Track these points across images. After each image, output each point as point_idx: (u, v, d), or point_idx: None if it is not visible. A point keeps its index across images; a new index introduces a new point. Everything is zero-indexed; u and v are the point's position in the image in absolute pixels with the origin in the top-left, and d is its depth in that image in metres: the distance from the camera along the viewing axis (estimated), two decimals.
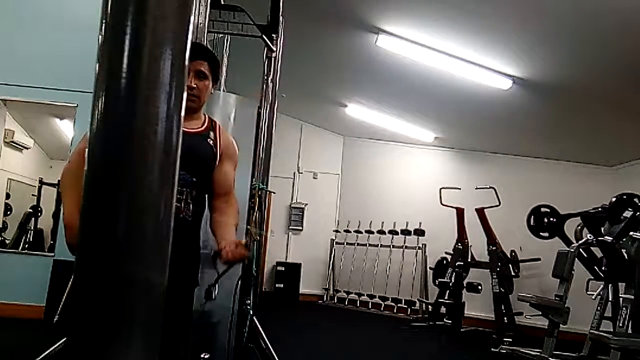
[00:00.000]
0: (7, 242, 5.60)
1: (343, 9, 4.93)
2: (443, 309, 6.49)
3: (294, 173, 8.71)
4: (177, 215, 1.65)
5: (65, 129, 5.61)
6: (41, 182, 6.12)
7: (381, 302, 7.68)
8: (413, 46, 5.01)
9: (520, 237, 6.12)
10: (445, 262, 6.76)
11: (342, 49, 5.75)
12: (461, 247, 6.54)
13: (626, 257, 4.26)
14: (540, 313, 4.62)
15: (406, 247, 7.73)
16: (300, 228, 8.62)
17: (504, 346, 5.01)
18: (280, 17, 3.52)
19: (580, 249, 4.74)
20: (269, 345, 2.84)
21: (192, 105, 1.77)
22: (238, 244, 1.67)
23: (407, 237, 7.71)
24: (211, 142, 1.82)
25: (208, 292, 1.89)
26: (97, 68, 0.66)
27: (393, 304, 7.59)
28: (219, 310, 2.94)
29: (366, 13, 4.83)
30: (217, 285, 1.79)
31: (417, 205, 7.76)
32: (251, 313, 3.02)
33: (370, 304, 7.84)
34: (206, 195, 1.85)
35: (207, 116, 1.88)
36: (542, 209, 5.34)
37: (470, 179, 7.13)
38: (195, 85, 1.75)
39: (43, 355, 2.11)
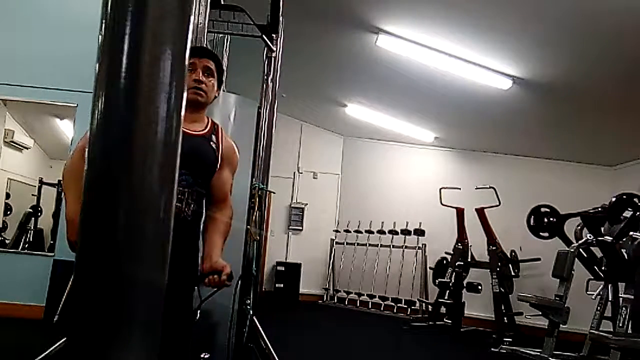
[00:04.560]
0: (7, 242, 5.60)
1: (343, 9, 4.93)
2: (443, 309, 6.49)
3: (294, 173, 8.71)
4: (178, 215, 1.65)
5: (65, 129, 5.61)
6: (41, 182, 6.11)
7: (381, 302, 7.68)
8: (413, 46, 5.01)
9: (520, 237, 6.13)
10: (445, 262, 6.76)
11: (342, 49, 5.74)
12: (461, 247, 6.54)
13: (626, 257, 4.27)
14: (540, 313, 4.62)
15: (406, 247, 7.73)
16: (300, 228, 8.62)
17: (504, 346, 5.01)
18: (280, 17, 3.51)
19: (580, 249, 4.75)
20: (269, 345, 2.83)
21: (199, 100, 1.77)
22: (223, 270, 1.66)
23: (407, 237, 7.71)
24: (213, 145, 1.82)
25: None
26: (97, 68, 0.66)
27: (393, 304, 7.59)
28: (219, 310, 2.94)
29: (366, 13, 4.83)
30: (199, 311, 1.80)
31: (417, 205, 7.75)
32: (251, 313, 3.02)
33: (370, 304, 7.84)
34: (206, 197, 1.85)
35: (209, 119, 1.87)
36: (542, 209, 5.34)
37: (470, 179, 7.13)
38: (203, 80, 1.75)
39: (43, 355, 2.10)
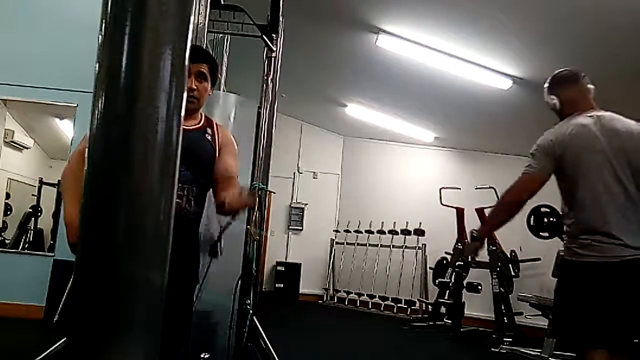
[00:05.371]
0: (7, 242, 5.60)
1: (343, 9, 4.93)
2: (443, 309, 6.49)
3: (294, 173, 8.71)
4: (179, 212, 1.65)
5: (65, 129, 5.61)
6: (41, 182, 6.12)
7: (381, 302, 7.68)
8: (413, 46, 5.01)
9: (520, 237, 6.12)
10: (445, 262, 6.76)
11: (342, 49, 5.74)
12: (461, 247, 6.53)
13: None
14: (540, 313, 4.62)
15: (406, 247, 7.73)
16: (300, 228, 8.62)
17: (504, 346, 5.01)
18: (280, 17, 3.51)
19: None
20: (269, 345, 2.83)
21: (191, 107, 1.78)
22: (242, 191, 1.63)
23: (407, 237, 7.70)
24: (209, 137, 1.84)
25: (213, 249, 1.82)
26: (97, 68, 0.66)
27: (393, 304, 7.58)
28: (219, 310, 2.94)
29: (366, 13, 4.83)
30: (221, 241, 1.75)
31: (417, 205, 7.75)
32: (251, 313, 3.02)
33: (370, 304, 7.84)
34: (207, 193, 1.85)
35: (203, 114, 1.89)
36: (542, 209, 5.34)
37: (470, 179, 7.12)
38: (195, 87, 1.76)
39: (43, 355, 2.11)
